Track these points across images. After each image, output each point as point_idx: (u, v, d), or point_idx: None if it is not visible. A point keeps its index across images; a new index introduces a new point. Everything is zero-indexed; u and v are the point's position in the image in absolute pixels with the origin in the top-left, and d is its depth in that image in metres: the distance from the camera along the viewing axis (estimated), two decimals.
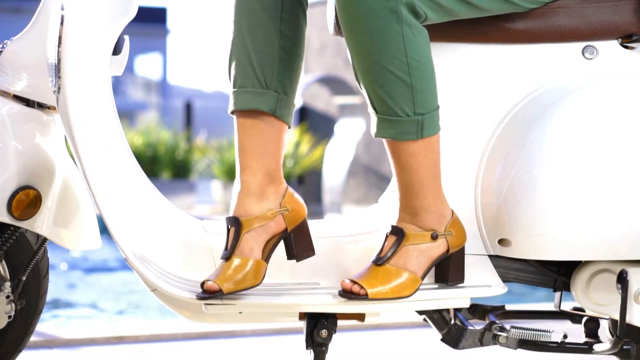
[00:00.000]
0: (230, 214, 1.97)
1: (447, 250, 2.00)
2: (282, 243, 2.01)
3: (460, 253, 2.02)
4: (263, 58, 1.99)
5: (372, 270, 1.94)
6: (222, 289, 1.90)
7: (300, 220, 2.01)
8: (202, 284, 1.91)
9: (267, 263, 1.97)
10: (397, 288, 1.94)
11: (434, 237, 1.98)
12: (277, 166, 2.01)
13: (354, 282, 1.92)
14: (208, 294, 1.90)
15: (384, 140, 1.97)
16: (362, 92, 1.98)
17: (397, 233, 1.97)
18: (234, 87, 2.01)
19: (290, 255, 2.02)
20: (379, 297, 1.93)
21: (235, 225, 1.95)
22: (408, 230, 1.97)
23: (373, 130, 1.97)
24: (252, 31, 2.00)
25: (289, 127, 2.03)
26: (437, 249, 1.99)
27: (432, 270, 2.03)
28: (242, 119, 2.00)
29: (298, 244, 2.01)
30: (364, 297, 1.91)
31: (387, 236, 1.98)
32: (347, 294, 1.92)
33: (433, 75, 1.95)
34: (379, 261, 1.95)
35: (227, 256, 1.93)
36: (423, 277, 1.97)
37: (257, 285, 1.93)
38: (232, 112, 2.02)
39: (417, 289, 1.96)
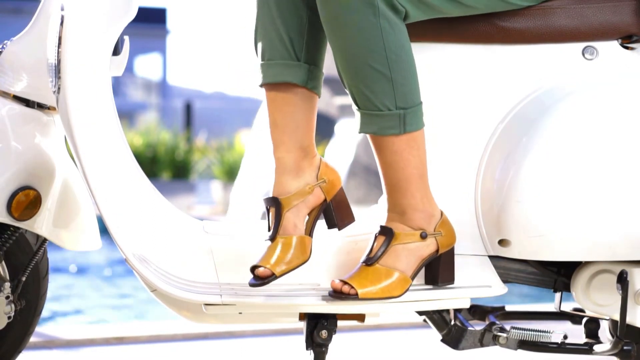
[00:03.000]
0: (270, 194, 1.97)
1: (437, 250, 2.00)
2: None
3: (450, 254, 2.02)
4: (292, 30, 1.98)
5: (362, 270, 1.94)
6: (274, 273, 1.90)
7: (338, 189, 2.03)
8: (253, 270, 1.91)
9: (312, 236, 1.98)
10: (387, 288, 1.94)
11: (423, 237, 1.97)
12: (310, 140, 2.01)
13: (344, 282, 1.92)
14: (261, 279, 1.90)
15: (369, 137, 1.96)
16: (345, 90, 1.97)
17: (386, 233, 1.96)
18: (262, 60, 1.99)
19: (331, 225, 2.03)
20: (369, 297, 1.92)
21: (275, 205, 1.96)
22: (397, 229, 1.97)
23: (357, 127, 1.96)
24: (280, 3, 1.98)
25: (319, 97, 2.02)
26: (427, 248, 1.98)
27: (422, 272, 2.03)
28: (272, 93, 1.99)
29: (338, 212, 2.02)
30: (354, 296, 1.91)
31: (376, 236, 1.98)
32: (337, 294, 1.92)
33: (414, 70, 1.95)
34: (369, 261, 1.94)
35: (272, 237, 1.94)
36: (413, 277, 1.97)
37: (307, 260, 1.94)
38: (262, 85, 2.00)
39: (407, 289, 1.96)
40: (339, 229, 2.04)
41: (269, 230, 1.95)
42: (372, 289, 1.92)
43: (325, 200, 2.01)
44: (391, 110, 1.92)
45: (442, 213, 2.01)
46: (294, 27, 1.98)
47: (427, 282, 2.02)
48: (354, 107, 1.96)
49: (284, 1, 1.98)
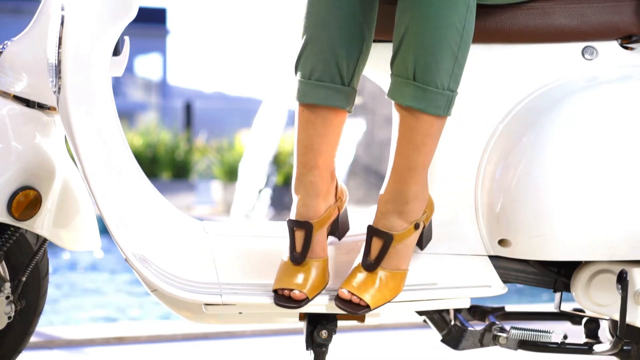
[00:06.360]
0: (292, 217, 1.95)
1: (423, 228, 2.00)
2: None
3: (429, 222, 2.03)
4: (349, 56, 1.93)
5: (367, 277, 1.93)
6: (308, 296, 1.92)
7: (345, 203, 2.06)
8: (279, 291, 1.93)
9: None
10: (394, 289, 1.94)
11: (417, 227, 1.96)
12: (335, 162, 1.99)
13: (353, 293, 1.91)
14: (296, 302, 1.91)
15: (398, 114, 1.90)
16: (397, 60, 1.90)
17: (384, 237, 1.93)
18: (307, 78, 1.93)
19: (333, 234, 2.05)
20: (381, 304, 1.92)
21: (306, 228, 1.94)
22: (394, 230, 1.94)
23: (405, 99, 1.88)
24: (343, 28, 1.92)
25: None
26: (417, 234, 1.98)
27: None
28: (312, 115, 1.94)
29: (341, 225, 2.05)
30: (366, 308, 1.91)
31: (371, 238, 1.94)
32: (346, 304, 1.91)
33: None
34: (370, 268, 1.93)
35: (301, 260, 1.94)
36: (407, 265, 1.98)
37: (326, 285, 1.96)
38: (303, 104, 1.94)
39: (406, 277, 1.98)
40: (339, 239, 2.06)
41: (294, 252, 1.94)
42: (382, 296, 1.92)
43: (338, 216, 2.03)
44: (444, 89, 1.89)
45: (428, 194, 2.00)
46: (351, 53, 1.93)
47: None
48: (403, 80, 1.89)
49: (348, 27, 1.93)
